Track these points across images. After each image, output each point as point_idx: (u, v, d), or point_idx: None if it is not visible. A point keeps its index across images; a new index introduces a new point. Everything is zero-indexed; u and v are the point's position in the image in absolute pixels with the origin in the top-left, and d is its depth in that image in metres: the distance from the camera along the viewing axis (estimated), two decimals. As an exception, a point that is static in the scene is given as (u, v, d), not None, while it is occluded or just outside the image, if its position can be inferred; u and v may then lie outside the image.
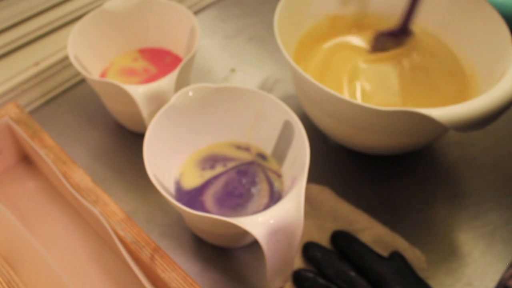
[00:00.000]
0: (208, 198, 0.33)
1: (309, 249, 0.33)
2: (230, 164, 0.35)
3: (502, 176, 0.39)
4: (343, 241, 0.33)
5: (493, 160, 0.40)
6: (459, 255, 0.34)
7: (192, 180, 0.34)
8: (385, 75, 0.40)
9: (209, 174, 0.35)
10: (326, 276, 0.31)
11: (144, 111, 0.33)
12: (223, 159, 0.36)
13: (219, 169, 0.35)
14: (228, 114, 0.35)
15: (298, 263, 0.33)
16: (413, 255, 0.33)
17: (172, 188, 0.34)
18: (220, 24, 0.53)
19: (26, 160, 0.39)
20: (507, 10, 0.40)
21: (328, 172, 0.39)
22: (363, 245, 0.32)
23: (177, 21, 0.41)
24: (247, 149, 0.36)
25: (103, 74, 0.42)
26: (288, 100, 0.38)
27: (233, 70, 0.48)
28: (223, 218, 0.26)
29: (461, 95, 0.38)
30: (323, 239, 0.34)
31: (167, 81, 0.34)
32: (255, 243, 0.34)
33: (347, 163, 0.39)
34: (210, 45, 0.51)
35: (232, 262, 0.34)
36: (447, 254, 0.34)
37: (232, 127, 0.36)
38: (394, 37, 0.41)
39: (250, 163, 0.35)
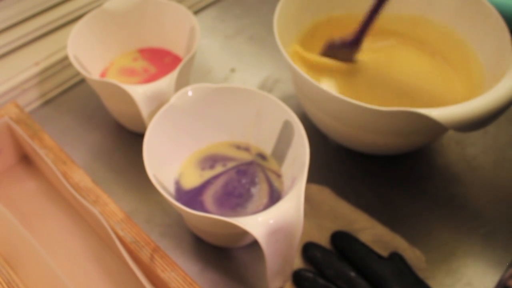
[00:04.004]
0: (208, 198, 0.33)
1: (309, 249, 0.33)
2: (230, 164, 0.35)
3: (502, 176, 0.39)
4: (343, 241, 0.33)
5: (493, 160, 0.40)
6: (459, 255, 0.34)
7: (192, 180, 0.34)
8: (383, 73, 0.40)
9: (208, 174, 0.35)
10: (326, 276, 0.31)
11: (144, 111, 0.33)
12: (223, 159, 0.36)
13: (218, 169, 0.35)
14: (228, 114, 0.35)
15: (298, 263, 0.33)
16: (413, 255, 0.33)
17: (171, 188, 0.34)
18: (220, 24, 0.53)
19: (26, 160, 0.39)
20: (507, 10, 0.40)
21: (328, 172, 0.39)
22: (363, 245, 0.32)
23: (177, 21, 0.41)
24: (246, 149, 0.36)
25: (103, 74, 0.42)
26: (288, 100, 0.38)
27: (233, 70, 0.48)
28: (223, 218, 0.26)
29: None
30: (323, 239, 0.34)
31: (167, 81, 0.34)
32: (255, 243, 0.34)
33: (347, 163, 0.39)
34: (210, 45, 0.50)
35: (231, 262, 0.34)
36: (447, 254, 0.34)
37: (232, 127, 0.36)
38: (347, 48, 0.39)
39: (250, 163, 0.35)
